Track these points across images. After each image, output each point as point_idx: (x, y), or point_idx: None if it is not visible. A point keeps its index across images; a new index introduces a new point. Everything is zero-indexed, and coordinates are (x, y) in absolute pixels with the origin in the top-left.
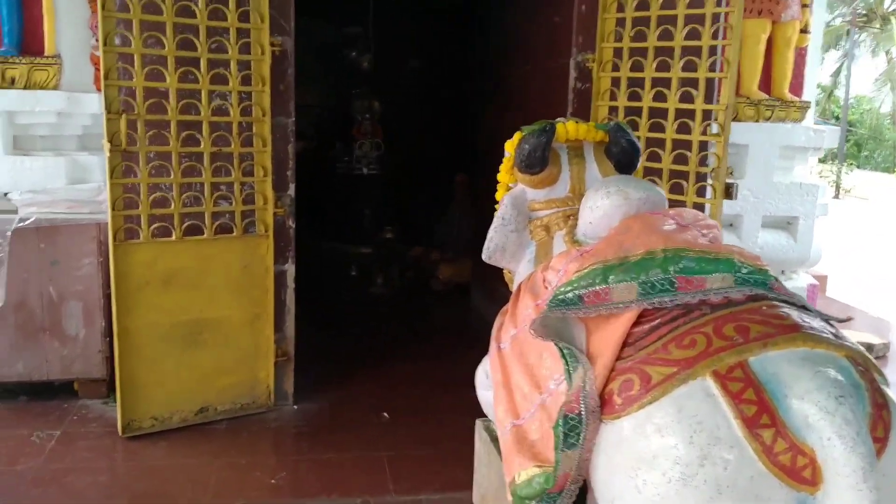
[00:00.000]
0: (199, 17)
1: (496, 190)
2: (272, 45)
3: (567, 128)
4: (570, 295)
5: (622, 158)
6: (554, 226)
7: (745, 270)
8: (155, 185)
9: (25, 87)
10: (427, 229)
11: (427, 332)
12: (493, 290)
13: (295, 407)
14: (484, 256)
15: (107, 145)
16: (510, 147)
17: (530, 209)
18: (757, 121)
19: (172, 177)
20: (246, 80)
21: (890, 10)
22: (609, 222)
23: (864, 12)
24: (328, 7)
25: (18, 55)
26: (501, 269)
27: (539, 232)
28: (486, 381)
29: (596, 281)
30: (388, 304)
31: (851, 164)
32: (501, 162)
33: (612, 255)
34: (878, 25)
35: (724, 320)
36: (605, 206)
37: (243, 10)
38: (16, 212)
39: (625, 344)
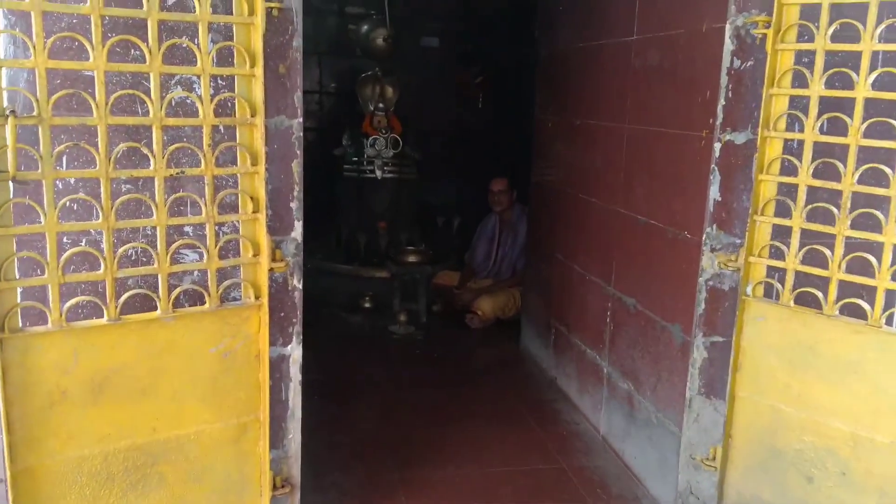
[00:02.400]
0: None
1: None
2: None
3: None
4: None
5: None
6: None
7: None
8: (72, 236)
9: None
10: (459, 249)
11: (473, 398)
12: (549, 329)
13: None
14: None
15: None
16: None
17: None
18: None
19: (101, 219)
20: (224, 58)
21: None
22: None
23: None
24: None
25: None
26: (566, 301)
27: None
28: None
29: None
30: (414, 352)
31: None
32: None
33: None
34: None
35: None
36: None
37: None
38: None
39: None
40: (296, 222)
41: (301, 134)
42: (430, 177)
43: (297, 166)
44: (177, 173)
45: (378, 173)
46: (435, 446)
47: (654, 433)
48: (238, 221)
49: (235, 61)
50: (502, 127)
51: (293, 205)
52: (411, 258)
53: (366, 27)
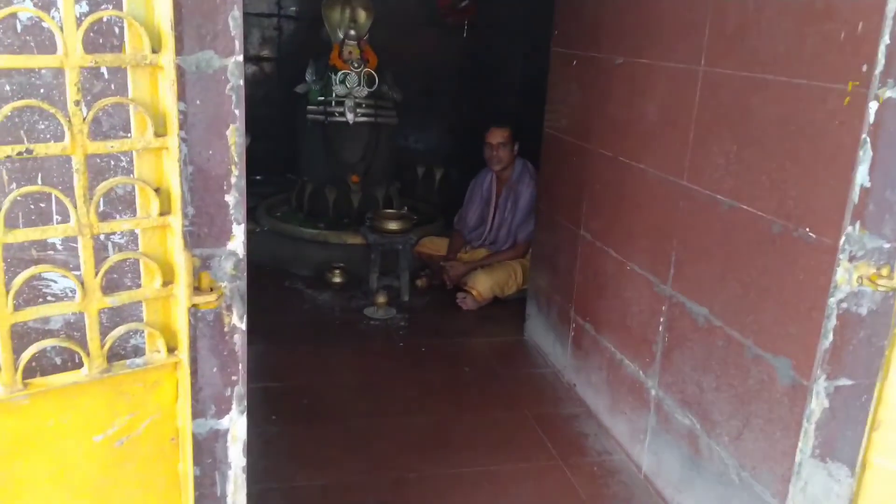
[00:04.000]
0: None
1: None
2: None
3: None
4: None
5: None
6: None
7: None
8: None
9: None
10: (442, 207)
11: (474, 413)
12: (568, 323)
13: None
14: None
15: None
16: None
17: None
18: None
19: None
20: None
21: None
22: None
23: None
24: None
25: None
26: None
27: None
28: None
29: None
30: (397, 345)
31: None
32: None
33: None
34: None
35: None
36: None
37: None
38: None
39: None
40: (234, 226)
41: (241, 81)
42: (407, 119)
43: (235, 135)
44: (17, 154)
45: (349, 116)
46: (429, 494)
47: (733, 494)
48: (139, 231)
49: None
50: (494, 61)
51: (230, 198)
52: (391, 225)
53: None
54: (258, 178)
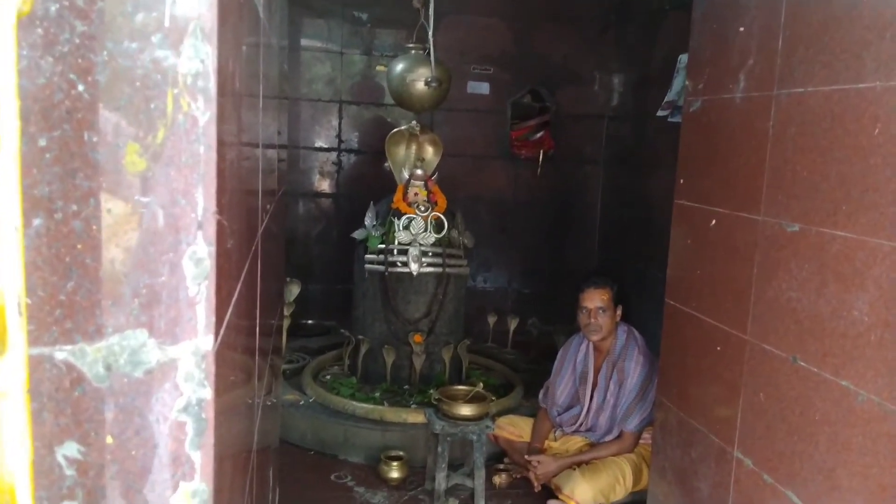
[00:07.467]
0: None
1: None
2: None
3: None
4: None
5: None
6: None
7: None
8: None
9: None
10: (517, 367)
11: None
12: None
13: None
14: None
15: None
16: None
17: None
18: None
19: None
20: None
21: None
22: None
23: None
24: None
25: None
26: None
27: None
28: None
29: None
30: None
31: None
32: None
33: None
34: None
35: None
36: None
37: None
38: None
39: None
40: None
41: (209, 392)
42: (476, 257)
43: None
44: None
45: (413, 266)
46: None
47: None
48: None
49: None
50: (571, 194)
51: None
52: (464, 410)
53: (401, 66)
54: (309, 322)
